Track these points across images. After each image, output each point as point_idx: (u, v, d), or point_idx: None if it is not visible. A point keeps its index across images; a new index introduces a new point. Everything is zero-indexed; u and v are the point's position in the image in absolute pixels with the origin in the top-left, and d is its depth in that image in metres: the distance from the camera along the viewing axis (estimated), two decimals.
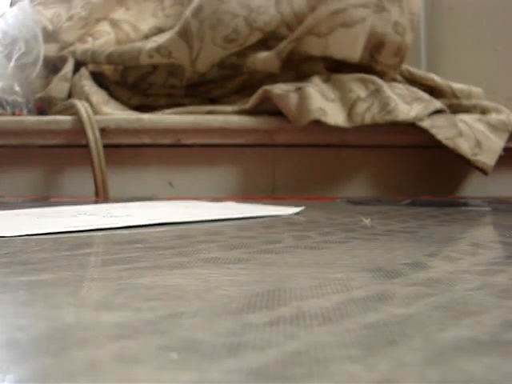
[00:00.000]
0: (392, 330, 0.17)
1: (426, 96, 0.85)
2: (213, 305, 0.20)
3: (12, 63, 0.85)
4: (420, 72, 0.94)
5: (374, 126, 0.81)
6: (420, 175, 0.89)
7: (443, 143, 0.81)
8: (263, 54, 0.87)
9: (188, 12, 0.87)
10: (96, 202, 0.70)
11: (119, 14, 0.96)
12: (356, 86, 0.83)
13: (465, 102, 0.91)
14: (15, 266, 0.28)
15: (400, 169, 0.88)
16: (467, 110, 0.90)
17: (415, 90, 0.86)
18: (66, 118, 0.82)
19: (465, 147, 0.81)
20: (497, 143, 0.84)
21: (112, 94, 0.89)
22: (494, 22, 1.05)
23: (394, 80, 0.89)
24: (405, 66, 0.91)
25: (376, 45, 0.86)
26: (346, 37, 0.85)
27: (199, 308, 0.20)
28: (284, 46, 0.86)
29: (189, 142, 0.84)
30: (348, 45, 0.86)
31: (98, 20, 0.95)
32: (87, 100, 0.84)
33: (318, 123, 0.80)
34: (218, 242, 0.38)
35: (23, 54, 0.86)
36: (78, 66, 0.89)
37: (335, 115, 0.81)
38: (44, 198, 0.75)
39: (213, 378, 0.14)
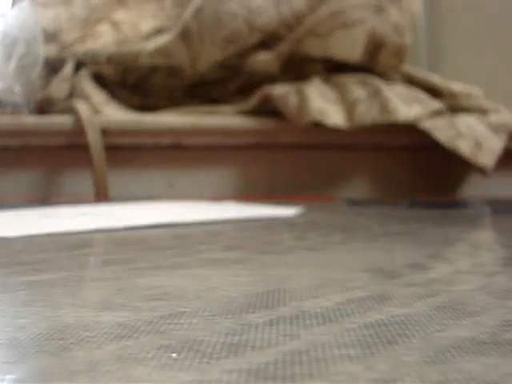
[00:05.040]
0: (392, 330, 0.17)
1: (425, 97, 0.85)
2: (213, 305, 0.20)
3: (12, 64, 0.85)
4: (420, 73, 0.94)
5: (374, 127, 0.81)
6: (420, 176, 0.89)
7: (443, 144, 0.81)
8: (263, 55, 0.87)
9: (188, 13, 0.87)
10: (96, 203, 0.70)
11: (119, 14, 0.96)
12: (356, 87, 0.83)
13: (464, 102, 0.91)
14: (15, 266, 0.28)
15: (400, 169, 0.88)
16: (467, 110, 0.90)
17: (415, 90, 0.86)
18: (66, 119, 0.82)
19: (464, 148, 0.81)
20: (496, 144, 0.84)
21: (112, 95, 0.89)
22: (493, 22, 1.05)
23: (394, 81, 0.89)
24: (405, 67, 0.91)
25: (376, 46, 0.86)
26: (346, 38, 0.85)
27: (199, 308, 0.20)
28: (284, 46, 0.86)
29: (189, 142, 0.84)
30: (348, 46, 0.86)
31: (99, 21, 0.95)
32: (87, 101, 0.84)
33: (317, 124, 0.80)
34: (218, 242, 0.38)
35: (24, 54, 0.86)
36: (78, 66, 0.89)
37: (335, 116, 0.81)
38: (44, 199, 0.75)
39: (213, 377, 0.14)
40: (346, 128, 0.81)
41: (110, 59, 0.88)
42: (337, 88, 0.84)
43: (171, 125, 0.83)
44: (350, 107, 0.82)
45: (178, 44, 0.86)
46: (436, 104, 0.84)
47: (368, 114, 0.81)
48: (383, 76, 0.87)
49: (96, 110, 0.83)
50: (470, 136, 0.82)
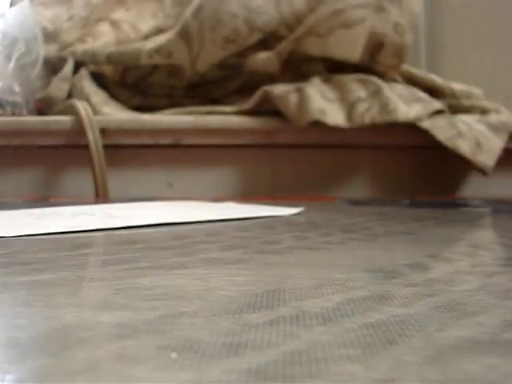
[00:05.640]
0: (392, 330, 0.17)
1: (425, 96, 0.85)
2: (213, 305, 0.20)
3: (12, 63, 0.85)
4: (420, 72, 0.94)
5: (374, 127, 0.81)
6: (420, 176, 0.89)
7: (443, 144, 0.81)
8: (263, 55, 0.87)
9: (188, 12, 0.87)
10: (96, 203, 0.70)
11: (119, 14, 0.96)
12: (356, 87, 0.83)
13: (465, 102, 0.91)
14: (15, 266, 0.28)
15: (400, 169, 0.88)
16: (467, 110, 0.90)
17: (415, 90, 0.86)
18: (65, 119, 0.82)
19: (465, 147, 0.81)
20: (497, 143, 0.84)
21: (112, 95, 0.89)
22: (494, 22, 1.05)
23: (394, 80, 0.89)
24: (405, 67, 0.91)
25: (376, 45, 0.86)
26: (346, 37, 0.85)
27: (199, 308, 0.20)
28: (284, 46, 0.86)
29: (189, 142, 0.84)
30: (348, 45, 0.86)
31: (98, 20, 0.95)
32: (87, 100, 0.84)
33: (317, 123, 0.80)
34: (217, 242, 0.38)
35: (23, 54, 0.86)
36: (77, 66, 0.89)
37: (335, 115, 0.81)
38: (44, 198, 0.75)
39: (213, 377, 0.14)
40: (346, 127, 0.81)
41: (110, 59, 0.88)
42: (337, 88, 0.84)
43: (171, 124, 0.83)
44: (350, 107, 0.82)
45: (177, 43, 0.86)
46: (437, 104, 0.84)
47: (368, 113, 0.81)
48: (383, 76, 0.87)
49: (96, 110, 0.83)
50: (470, 136, 0.82)
